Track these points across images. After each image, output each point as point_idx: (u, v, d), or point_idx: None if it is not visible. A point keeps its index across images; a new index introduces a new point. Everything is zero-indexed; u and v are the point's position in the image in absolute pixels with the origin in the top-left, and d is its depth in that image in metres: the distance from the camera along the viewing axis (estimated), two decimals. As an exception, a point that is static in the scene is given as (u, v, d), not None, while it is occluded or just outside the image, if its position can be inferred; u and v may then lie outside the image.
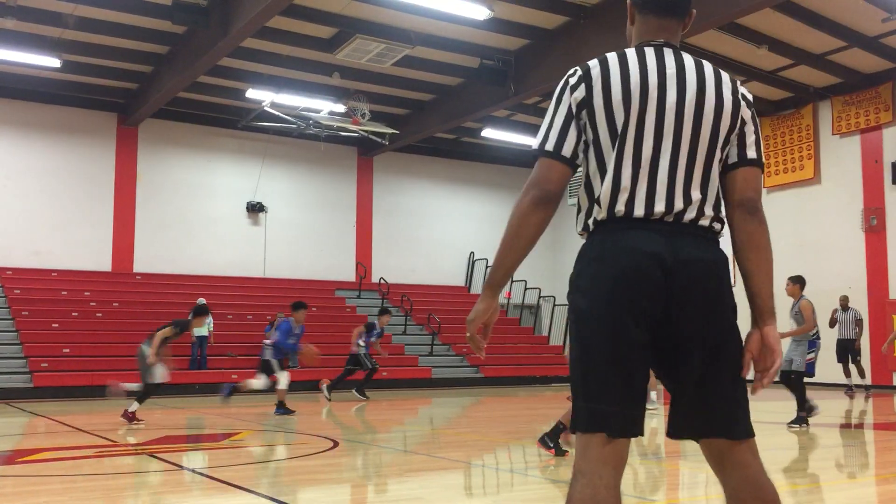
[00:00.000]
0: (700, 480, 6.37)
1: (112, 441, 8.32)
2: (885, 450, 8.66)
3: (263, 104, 18.01)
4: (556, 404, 14.17)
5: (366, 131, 18.63)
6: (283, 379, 11.36)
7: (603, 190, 2.28)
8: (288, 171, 21.71)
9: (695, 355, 2.22)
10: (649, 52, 2.33)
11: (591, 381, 2.20)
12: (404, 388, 17.64)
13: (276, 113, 18.36)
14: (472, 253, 24.02)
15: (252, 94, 17.78)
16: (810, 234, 18.57)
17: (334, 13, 14.56)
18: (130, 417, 9.74)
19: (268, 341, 11.73)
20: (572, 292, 2.32)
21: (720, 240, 2.31)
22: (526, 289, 23.78)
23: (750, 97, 2.38)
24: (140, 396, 10.03)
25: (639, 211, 2.23)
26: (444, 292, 23.12)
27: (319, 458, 7.18)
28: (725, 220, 2.33)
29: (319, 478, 6.36)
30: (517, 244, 2.34)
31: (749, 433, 2.27)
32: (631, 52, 2.34)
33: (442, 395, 16.02)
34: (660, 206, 2.22)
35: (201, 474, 6.39)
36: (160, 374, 10.05)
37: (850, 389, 15.53)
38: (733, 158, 2.33)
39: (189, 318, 10.93)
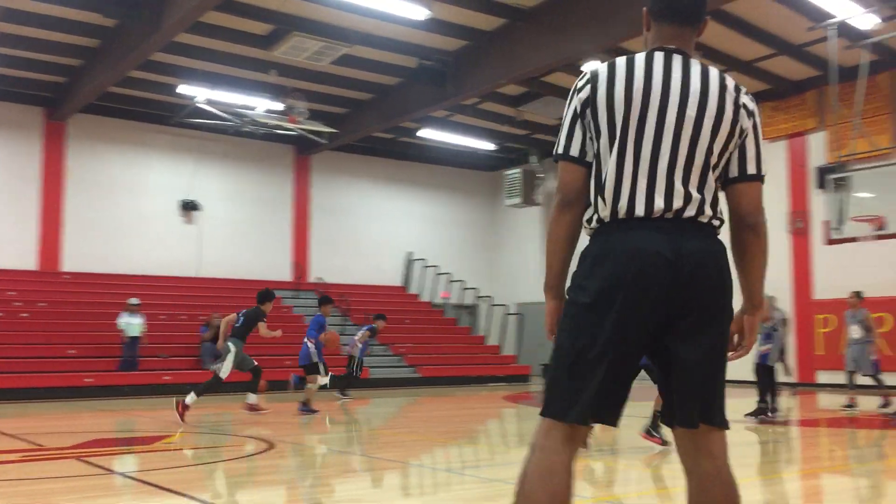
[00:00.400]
0: (632, 477, 6.49)
1: (39, 445, 8.08)
2: (810, 445, 8.96)
3: (195, 100, 17.68)
4: (492, 404, 14.28)
5: (303, 130, 18.46)
6: (322, 380, 11.74)
7: (606, 189, 2.37)
8: (223, 168, 21.38)
9: (687, 341, 2.34)
10: (658, 57, 2.43)
11: (571, 373, 2.34)
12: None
13: (211, 110, 18.05)
14: (411, 253, 24.01)
15: (184, 89, 17.44)
16: (739, 235, 19.07)
17: (271, 10, 14.39)
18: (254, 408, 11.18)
19: (310, 343, 11.76)
20: (574, 290, 2.40)
21: (717, 232, 2.43)
22: (464, 289, 23.90)
23: (752, 106, 2.46)
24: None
25: (640, 210, 2.33)
26: (382, 292, 23.06)
27: (255, 460, 7.09)
28: (723, 217, 2.43)
29: (255, 480, 6.29)
30: (556, 247, 2.47)
31: (725, 424, 2.42)
32: (640, 56, 2.44)
33: (380, 396, 15.98)
34: (659, 204, 2.32)
35: (132, 478, 6.25)
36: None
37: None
38: (734, 173, 2.45)
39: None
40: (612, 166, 2.36)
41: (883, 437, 9.58)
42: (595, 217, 2.42)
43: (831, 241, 15.54)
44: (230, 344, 10.94)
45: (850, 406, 11.90)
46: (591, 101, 2.42)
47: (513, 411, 13.21)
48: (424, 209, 24.54)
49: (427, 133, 21.05)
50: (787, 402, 14.06)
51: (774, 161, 18.59)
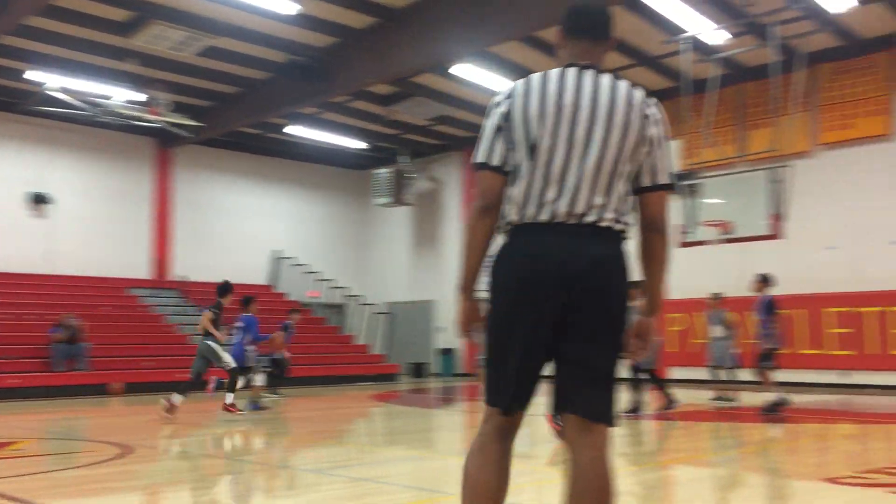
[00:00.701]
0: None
1: None
2: (663, 438, 9.43)
3: (45, 87, 16.68)
4: (361, 403, 14.25)
5: (166, 122, 17.79)
6: (241, 381, 11.69)
7: (517, 196, 2.57)
8: (78, 160, 20.30)
9: (577, 337, 2.52)
10: (571, 73, 2.62)
11: (495, 366, 2.61)
12: (203, 389, 16.99)
13: (64, 97, 17.09)
14: (279, 251, 23.60)
15: (33, 75, 16.44)
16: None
17: (132, -4, 13.81)
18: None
19: (250, 346, 12.04)
20: (490, 289, 2.62)
21: (623, 237, 2.61)
22: (332, 288, 23.71)
23: (658, 116, 2.65)
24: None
25: (544, 216, 2.53)
26: (248, 291, 22.40)
27: (110, 466, 6.79)
28: (629, 221, 2.62)
29: (109, 486, 6.02)
30: (473, 250, 2.65)
31: (607, 420, 2.56)
32: (554, 72, 2.64)
33: (245, 397, 15.59)
34: (563, 209, 2.52)
35: (-26, 489, 5.85)
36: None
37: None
38: (645, 182, 2.64)
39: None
40: (525, 176, 2.55)
41: (746, 428, 10.21)
42: (506, 222, 2.61)
43: (684, 244, 16.43)
44: (210, 343, 11.28)
45: (720, 399, 12.53)
46: (508, 117, 2.60)
47: (381, 410, 13.23)
48: (293, 207, 24.19)
49: (296, 130, 20.75)
50: (647, 397, 14.73)
51: (632, 166, 19.44)
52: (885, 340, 15.28)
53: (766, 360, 10.99)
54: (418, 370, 22.65)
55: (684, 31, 14.51)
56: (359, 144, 22.62)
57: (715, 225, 14.40)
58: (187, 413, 11.76)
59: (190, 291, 20.85)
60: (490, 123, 2.65)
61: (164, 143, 21.19)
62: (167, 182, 21.78)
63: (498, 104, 2.65)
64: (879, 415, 11.34)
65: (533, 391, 2.60)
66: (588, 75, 2.61)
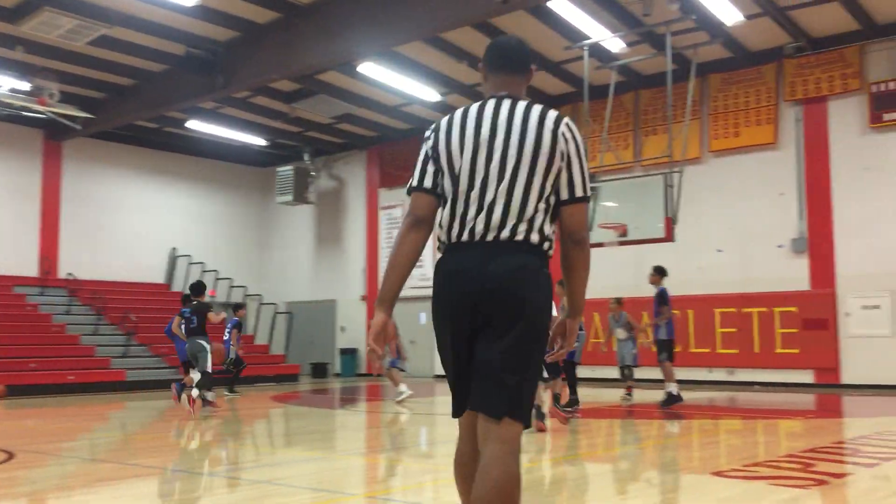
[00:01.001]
0: (398, 472, 6.65)
1: None
2: (561, 435, 9.63)
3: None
4: (260, 404, 14.00)
5: (55, 113, 17.03)
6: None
7: (444, 219, 2.84)
8: (-42, 151, 19.22)
9: (485, 339, 2.72)
10: (490, 104, 2.89)
11: (446, 372, 2.91)
12: (94, 392, 16.40)
13: (-56, 85, 16.16)
14: (175, 249, 22.94)
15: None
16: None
17: (20, -20, 13.16)
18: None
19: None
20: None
21: (540, 249, 2.79)
22: (231, 287, 23.20)
23: (569, 134, 2.83)
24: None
25: (465, 236, 2.77)
26: (142, 290, 21.82)
27: (-9, 474, 6.45)
28: (547, 234, 2.81)
29: (-10, 495, 5.72)
30: (397, 262, 2.82)
31: (506, 415, 2.68)
32: (475, 106, 2.91)
33: (138, 399, 15.12)
34: (481, 228, 2.75)
35: None
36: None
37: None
38: (563, 196, 2.82)
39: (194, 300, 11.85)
40: (450, 201, 2.82)
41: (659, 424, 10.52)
42: (439, 242, 2.87)
43: (582, 246, 16.79)
44: (202, 342, 11.52)
45: (629, 396, 12.89)
46: (434, 149, 2.87)
47: (280, 411, 13.04)
48: (191, 204, 23.55)
49: (195, 125, 20.23)
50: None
51: (534, 169, 19.78)
52: (769, 339, 16.05)
53: (662, 352, 11.45)
54: (320, 370, 22.42)
55: (586, 38, 14.87)
56: (260, 141, 22.24)
57: (612, 227, 14.78)
58: (71, 417, 11.32)
59: (79, 290, 20.05)
60: (421, 155, 2.92)
61: (54, 136, 20.29)
62: (56, 176, 20.86)
63: (427, 138, 2.92)
64: (763, 410, 11.90)
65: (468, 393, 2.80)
66: (505, 105, 2.86)
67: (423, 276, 22.98)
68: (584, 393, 15.10)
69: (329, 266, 23.76)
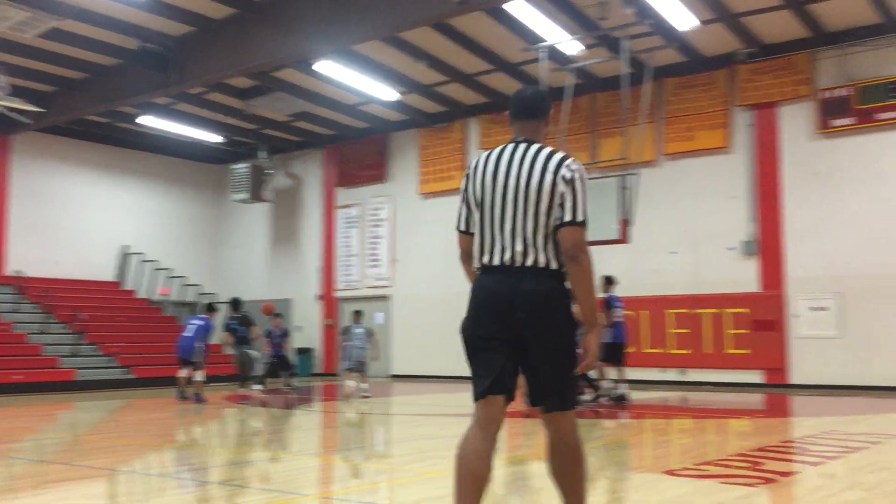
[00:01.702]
0: (353, 472, 6.62)
1: None
2: (516, 435, 9.68)
3: None
4: (213, 404, 13.83)
5: (4, 107, 16.63)
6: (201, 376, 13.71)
7: (476, 247, 3.50)
8: None
9: (532, 352, 3.35)
10: (509, 148, 3.49)
11: (472, 369, 3.43)
12: (42, 392, 16.05)
13: None
14: (126, 246, 22.56)
15: None
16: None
17: (-33, -30, 12.82)
18: None
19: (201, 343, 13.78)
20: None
21: (557, 273, 3.37)
22: (185, 285, 22.89)
23: (569, 174, 3.36)
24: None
25: (495, 262, 3.40)
26: (92, 287, 21.41)
27: (-67, 476, 6.27)
28: (559, 258, 3.36)
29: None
30: (468, 279, 3.59)
31: (559, 408, 3.40)
32: (498, 150, 3.51)
33: (87, 399, 14.84)
34: (507, 257, 3.37)
35: None
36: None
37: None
38: (558, 220, 3.35)
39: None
40: (479, 234, 3.47)
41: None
42: (476, 265, 3.51)
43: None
44: (251, 351, 14.83)
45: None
46: (466, 189, 3.54)
47: (234, 411, 12.90)
48: (144, 200, 23.17)
49: (148, 120, 19.90)
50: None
51: (491, 170, 19.84)
52: (720, 340, 16.33)
53: (602, 354, 11.68)
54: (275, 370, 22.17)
55: (543, 41, 14.96)
56: (215, 138, 21.98)
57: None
58: (17, 418, 11.07)
59: (27, 288, 19.61)
60: (461, 196, 3.59)
61: (3, 130, 19.80)
62: (4, 171, 20.38)
63: (465, 178, 3.56)
64: (714, 410, 12.11)
65: (507, 381, 3.37)
66: (519, 150, 3.45)
67: (379, 277, 22.93)
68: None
69: (285, 265, 23.57)
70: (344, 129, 21.74)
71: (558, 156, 3.39)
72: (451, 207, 22.01)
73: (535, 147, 3.45)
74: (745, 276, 16.22)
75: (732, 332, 16.20)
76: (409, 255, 21.14)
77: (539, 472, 6.54)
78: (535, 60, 16.41)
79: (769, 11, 14.70)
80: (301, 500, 5.29)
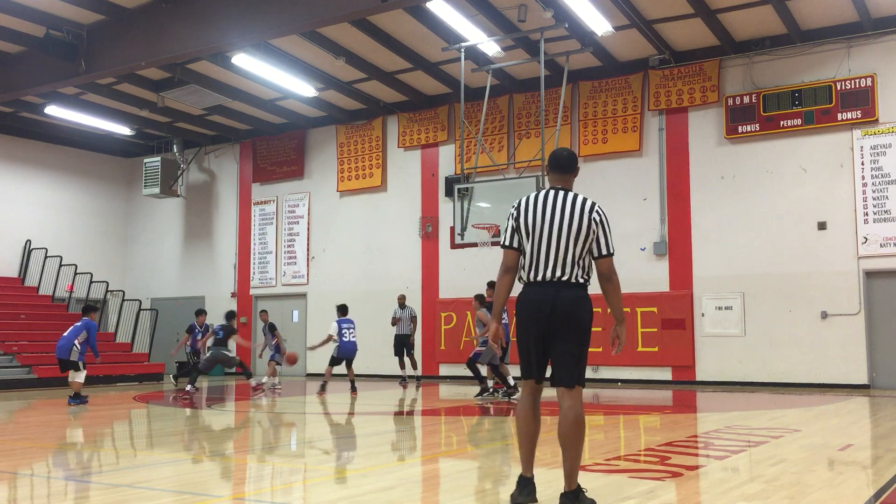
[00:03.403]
0: (267, 473, 6.54)
1: None
2: (431, 433, 9.73)
3: None
4: (121, 405, 13.43)
5: None
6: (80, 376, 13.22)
7: (524, 265, 4.67)
8: None
9: (558, 342, 4.57)
10: (551, 193, 4.70)
11: (521, 356, 4.71)
12: (-65, 393, 15.26)
13: None
14: (29, 241, 21.68)
15: None
16: (377, 237, 20.12)
17: None
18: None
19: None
20: (517, 314, 4.74)
21: (585, 285, 4.62)
22: (91, 282, 22.12)
23: (598, 217, 4.64)
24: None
25: (539, 277, 4.62)
26: (-9, 284, 20.49)
27: None
28: (588, 276, 4.63)
29: None
30: (500, 294, 4.77)
31: (572, 384, 4.56)
32: (542, 193, 4.71)
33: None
34: (549, 275, 4.59)
35: None
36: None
37: (403, 380, 17.11)
38: (595, 253, 4.65)
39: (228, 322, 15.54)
40: (527, 255, 4.65)
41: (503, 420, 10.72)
42: (522, 278, 4.70)
43: (455, 246, 17.05)
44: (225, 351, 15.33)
45: (493, 393, 13.24)
46: (516, 220, 4.68)
47: (143, 412, 12.55)
48: (48, 194, 22.30)
49: (54, 111, 19.17)
50: (412, 394, 15.11)
51: (410, 169, 19.88)
52: (631, 338, 16.73)
53: (477, 358, 13.06)
54: (186, 369, 21.64)
55: (462, 41, 15.05)
56: (126, 130, 21.34)
57: (485, 228, 15.05)
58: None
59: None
60: (509, 224, 4.72)
61: None
62: None
63: (513, 213, 4.73)
64: (624, 406, 12.41)
65: (544, 370, 4.63)
66: (560, 196, 4.67)
67: (295, 274, 22.66)
68: (454, 391, 15.31)
69: (198, 261, 23.05)
70: (260, 124, 21.41)
71: (589, 203, 4.65)
72: (368, 205, 21.99)
73: (571, 194, 4.69)
74: (655, 276, 16.69)
75: (643, 330, 16.64)
76: (325, 253, 20.96)
77: (452, 469, 6.59)
78: (455, 60, 16.51)
79: (681, 19, 15.15)
80: (212, 501, 5.19)
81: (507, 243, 4.70)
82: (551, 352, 4.58)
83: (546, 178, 4.69)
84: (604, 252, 4.62)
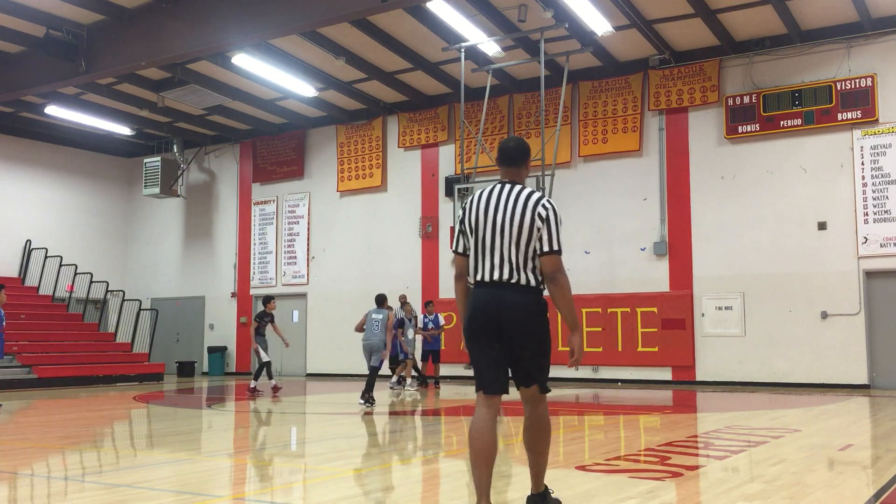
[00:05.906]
0: (267, 473, 6.53)
1: None
2: (431, 433, 9.73)
3: None
4: (121, 405, 13.43)
5: None
6: None
7: (471, 266, 4.29)
8: None
9: (514, 348, 4.15)
10: (498, 187, 4.30)
11: (474, 368, 4.24)
12: (-64, 393, 15.26)
13: None
14: (29, 241, 21.68)
15: None
16: (377, 237, 20.13)
17: None
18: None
19: None
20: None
21: (535, 288, 4.15)
22: (92, 282, 22.12)
23: (544, 211, 4.16)
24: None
25: (486, 278, 4.20)
26: (-9, 284, 20.46)
27: None
28: (537, 277, 4.16)
29: None
30: (459, 301, 4.39)
31: (541, 388, 4.24)
32: (489, 188, 4.32)
33: None
34: (495, 275, 4.17)
35: None
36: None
37: (423, 382, 17.01)
38: (538, 251, 4.15)
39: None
40: (473, 255, 4.27)
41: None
42: (471, 281, 4.31)
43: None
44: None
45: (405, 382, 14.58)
46: (464, 221, 4.32)
47: (143, 412, 12.55)
48: (48, 194, 22.30)
49: (55, 111, 19.18)
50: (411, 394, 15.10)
51: (410, 169, 19.88)
52: (632, 339, 16.74)
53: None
54: (187, 369, 21.71)
55: (463, 41, 15.05)
56: (126, 130, 21.34)
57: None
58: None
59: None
60: (458, 225, 4.36)
61: None
62: None
63: (462, 210, 4.37)
64: (624, 406, 12.41)
65: (499, 383, 4.17)
66: (506, 190, 4.25)
67: (295, 274, 22.66)
68: (454, 391, 15.29)
69: (198, 262, 23.05)
70: (260, 124, 21.42)
71: (535, 196, 4.22)
72: (368, 205, 22.01)
73: (517, 188, 4.27)
74: (655, 276, 16.68)
75: (643, 330, 16.64)
76: (325, 253, 20.96)
77: (447, 469, 6.60)
78: (455, 60, 16.51)
79: (681, 19, 15.15)
80: (212, 501, 5.19)
81: (455, 248, 4.39)
82: (507, 360, 4.19)
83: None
84: (545, 249, 4.11)
